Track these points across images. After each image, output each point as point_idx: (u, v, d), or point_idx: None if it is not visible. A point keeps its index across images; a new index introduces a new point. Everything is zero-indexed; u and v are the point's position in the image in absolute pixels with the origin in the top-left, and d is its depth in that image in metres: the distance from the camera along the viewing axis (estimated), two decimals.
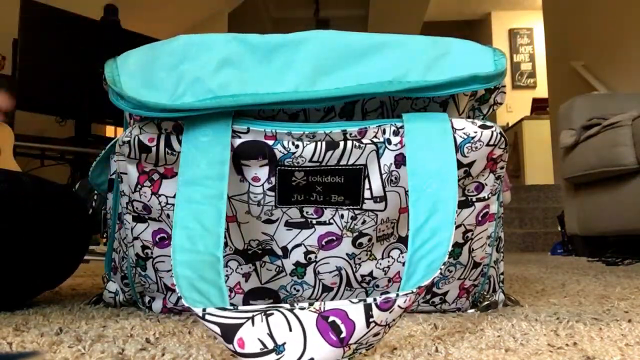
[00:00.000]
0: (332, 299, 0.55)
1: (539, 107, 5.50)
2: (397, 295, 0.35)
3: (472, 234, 0.53)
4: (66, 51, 2.61)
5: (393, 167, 0.48)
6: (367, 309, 0.34)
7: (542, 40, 5.21)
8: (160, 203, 0.50)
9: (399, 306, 0.35)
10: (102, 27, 2.66)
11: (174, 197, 0.49)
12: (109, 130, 3.21)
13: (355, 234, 0.51)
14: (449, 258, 0.53)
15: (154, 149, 0.47)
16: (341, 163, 0.48)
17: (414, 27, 6.42)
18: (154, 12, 4.12)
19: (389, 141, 0.48)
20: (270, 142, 0.47)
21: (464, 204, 0.52)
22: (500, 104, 0.55)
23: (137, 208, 0.52)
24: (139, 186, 0.50)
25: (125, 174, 0.51)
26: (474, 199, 0.52)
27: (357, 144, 0.47)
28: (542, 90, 6.10)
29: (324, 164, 0.47)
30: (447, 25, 7.24)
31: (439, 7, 6.43)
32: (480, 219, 0.53)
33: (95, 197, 0.81)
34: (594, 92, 2.54)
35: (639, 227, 1.81)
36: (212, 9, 4.97)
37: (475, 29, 7.22)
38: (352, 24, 6.86)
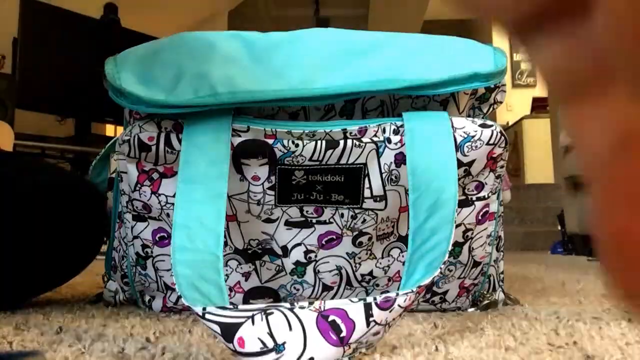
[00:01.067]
0: (332, 298, 0.55)
1: (539, 106, 5.50)
2: (397, 294, 0.35)
3: (472, 233, 0.53)
4: (66, 50, 2.60)
5: (393, 166, 0.48)
6: (367, 308, 0.34)
7: None
8: (160, 202, 0.50)
9: (399, 305, 0.35)
10: (102, 25, 2.66)
11: (173, 196, 0.49)
12: (109, 129, 3.21)
13: (355, 233, 0.51)
14: (449, 257, 0.53)
15: (153, 147, 0.47)
16: (341, 162, 0.48)
17: (414, 25, 6.41)
18: (154, 10, 4.12)
19: (389, 140, 0.48)
20: (270, 141, 0.47)
21: (464, 203, 0.52)
22: (501, 102, 0.55)
23: (137, 207, 0.52)
24: (139, 185, 0.50)
25: (125, 172, 0.51)
26: (474, 198, 0.52)
27: (357, 142, 0.47)
28: (542, 89, 6.11)
29: (323, 162, 0.47)
30: (448, 24, 7.23)
31: (439, 5, 6.43)
32: (480, 218, 0.53)
33: None
34: None
35: None
36: (212, 8, 4.97)
37: (475, 28, 7.21)
38: (352, 23, 6.85)
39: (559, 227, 2.57)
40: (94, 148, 2.67)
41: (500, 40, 6.63)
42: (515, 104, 6.22)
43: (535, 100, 5.64)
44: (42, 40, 2.50)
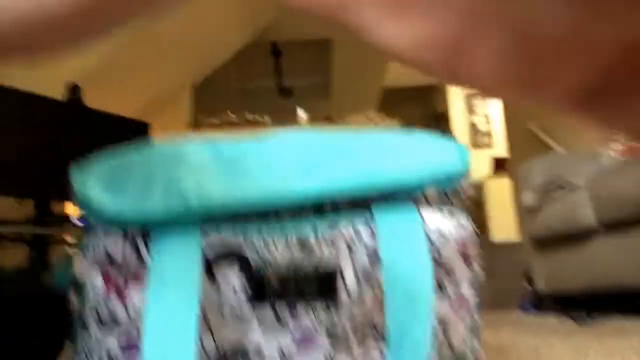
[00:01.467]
0: None
1: (498, 165, 5.67)
2: None
3: (450, 325, 0.52)
4: (27, 131, 2.58)
5: (367, 265, 0.48)
6: None
7: (497, 101, 5.44)
8: (128, 311, 0.48)
9: None
10: (64, 106, 2.66)
11: (142, 305, 0.48)
12: (69, 208, 3.13)
13: (332, 333, 0.50)
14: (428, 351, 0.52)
15: (120, 256, 0.46)
16: (314, 262, 0.47)
17: (373, 93, 6.63)
18: (117, 87, 4.15)
19: (361, 239, 0.48)
20: (242, 245, 0.46)
21: (439, 297, 0.51)
22: (466, 192, 0.56)
23: (103, 316, 0.49)
24: (105, 295, 0.48)
25: (90, 281, 0.49)
26: (449, 290, 0.52)
27: (330, 242, 0.47)
28: (500, 148, 6.31)
29: (296, 264, 0.47)
30: (406, 91, 7.50)
31: (397, 73, 6.68)
32: (457, 309, 0.52)
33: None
34: (552, 152, 2.63)
35: (604, 285, 1.84)
36: (176, 83, 5.03)
37: (433, 93, 7.50)
38: (315, 92, 7.04)
39: (527, 285, 2.59)
40: (54, 229, 2.60)
41: (458, 103, 6.89)
42: (474, 163, 6.41)
43: (495, 161, 5.82)
44: (2, 122, 2.47)
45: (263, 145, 0.49)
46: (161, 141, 0.48)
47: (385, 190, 0.48)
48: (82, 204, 0.45)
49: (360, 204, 0.51)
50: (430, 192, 0.53)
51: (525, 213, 2.28)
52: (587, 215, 1.83)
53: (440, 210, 0.55)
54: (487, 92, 0.15)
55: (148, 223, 0.44)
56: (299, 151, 0.49)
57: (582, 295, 2.06)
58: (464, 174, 0.51)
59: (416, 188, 0.49)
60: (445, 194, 0.55)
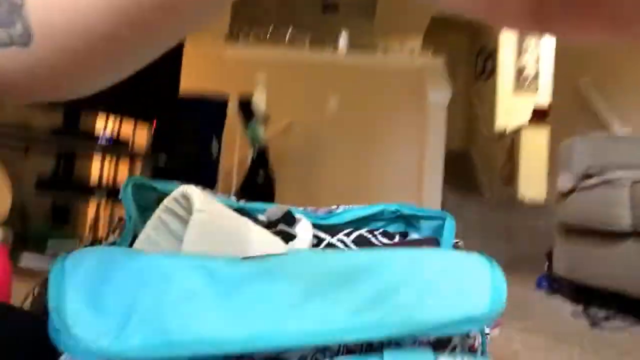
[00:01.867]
0: None
1: (538, 115, 5.40)
2: None
3: None
4: None
5: None
6: None
7: (549, 43, 5.10)
8: None
9: None
10: None
11: None
12: (100, 121, 3.11)
13: None
14: None
15: None
16: None
17: (421, 21, 6.27)
18: None
19: None
20: None
21: None
22: (489, 334, 0.49)
23: None
24: None
25: None
26: None
27: None
28: (544, 95, 6.00)
29: None
30: (454, 24, 7.06)
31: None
32: None
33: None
34: (595, 134, 2.46)
35: (626, 289, 1.78)
36: None
37: (482, 29, 7.06)
38: (360, 11, 6.68)
39: (547, 264, 2.54)
40: (82, 140, 2.58)
41: (509, 42, 6.49)
42: (515, 109, 6.10)
43: (535, 112, 5.53)
44: None
45: (267, 272, 0.42)
46: (151, 251, 0.43)
47: (399, 334, 0.42)
48: (57, 320, 0.40)
49: (370, 346, 0.45)
50: (451, 335, 0.46)
51: (559, 195, 2.18)
52: (623, 215, 1.74)
53: (459, 354, 0.49)
54: (510, 27, 0.20)
55: (128, 357, 0.39)
56: (309, 278, 0.43)
57: (599, 293, 2.01)
58: (494, 317, 0.44)
59: (436, 332, 0.43)
60: (468, 335, 0.49)
